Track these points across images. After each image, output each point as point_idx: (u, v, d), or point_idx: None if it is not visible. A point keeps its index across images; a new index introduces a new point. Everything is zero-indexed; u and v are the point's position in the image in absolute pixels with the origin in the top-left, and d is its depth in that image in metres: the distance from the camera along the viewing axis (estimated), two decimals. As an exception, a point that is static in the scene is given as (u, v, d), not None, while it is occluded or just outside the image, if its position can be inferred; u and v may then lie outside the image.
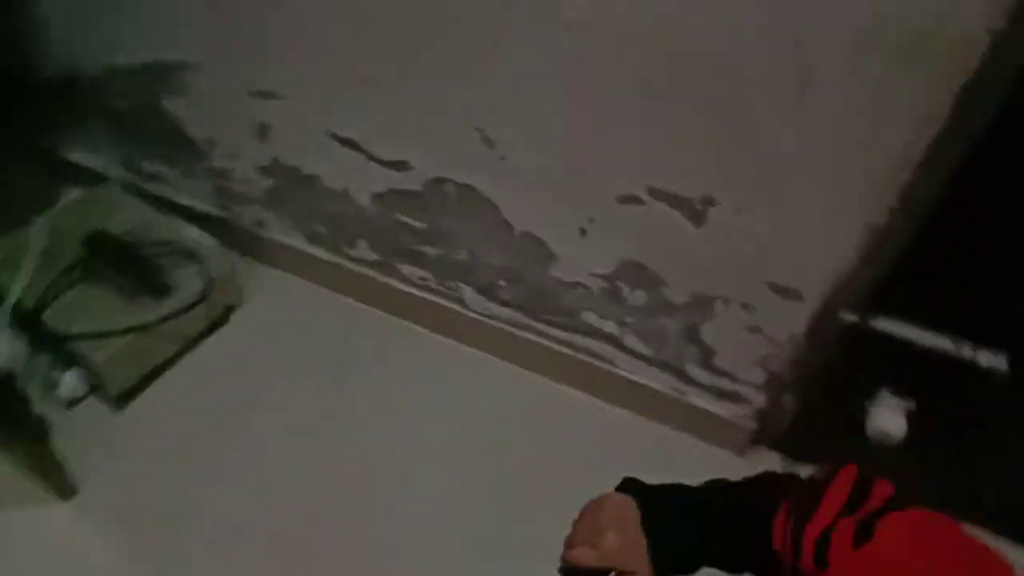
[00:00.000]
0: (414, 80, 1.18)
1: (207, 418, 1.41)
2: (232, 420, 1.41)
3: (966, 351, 1.09)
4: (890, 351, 1.14)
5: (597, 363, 1.45)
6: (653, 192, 1.13)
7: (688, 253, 1.18)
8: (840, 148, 0.96)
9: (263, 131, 1.39)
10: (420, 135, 1.26)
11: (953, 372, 1.09)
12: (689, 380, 1.39)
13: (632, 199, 1.15)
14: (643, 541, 0.70)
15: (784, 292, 1.16)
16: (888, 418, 1.25)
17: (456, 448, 1.42)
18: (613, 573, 0.70)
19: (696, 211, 1.12)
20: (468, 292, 1.47)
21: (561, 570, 0.71)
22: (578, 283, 1.34)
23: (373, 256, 1.51)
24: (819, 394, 1.29)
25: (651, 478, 0.74)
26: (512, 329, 1.48)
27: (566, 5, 0.99)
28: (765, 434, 1.42)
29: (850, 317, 1.14)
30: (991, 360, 1.08)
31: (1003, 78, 0.83)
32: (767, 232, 1.09)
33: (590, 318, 1.38)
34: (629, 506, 0.72)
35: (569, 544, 0.72)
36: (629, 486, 0.76)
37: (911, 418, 1.22)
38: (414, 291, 1.52)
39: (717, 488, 0.75)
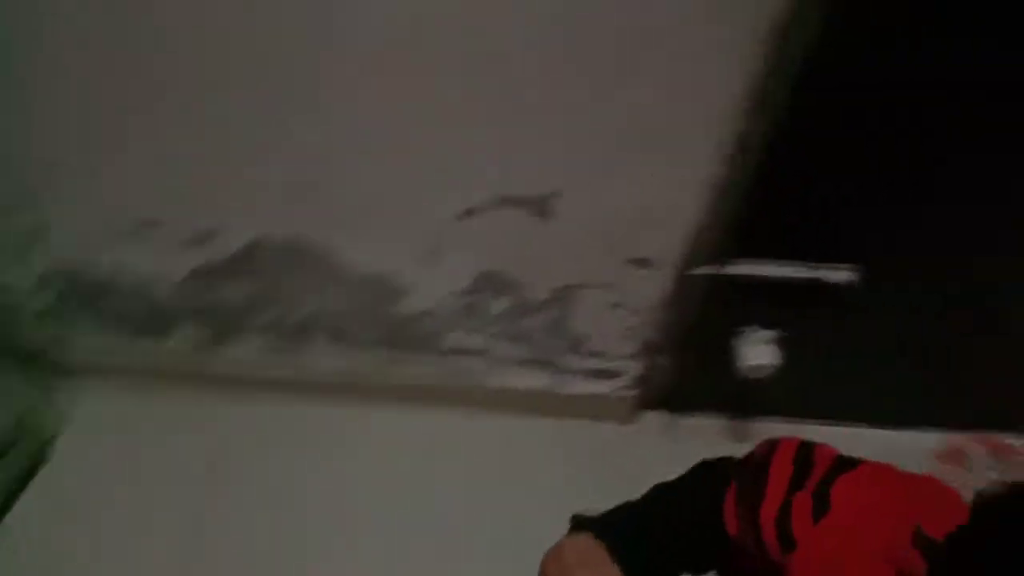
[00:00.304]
0: (205, 139, 1.06)
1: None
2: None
3: (817, 273, 1.16)
4: (749, 290, 1.20)
5: (474, 381, 1.41)
6: (494, 199, 1.10)
7: (541, 250, 1.16)
8: (673, 107, 0.96)
9: (34, 235, 1.20)
10: (226, 197, 1.13)
11: (809, 295, 1.17)
12: (565, 370, 1.38)
13: (473, 211, 1.11)
14: (615, 570, 0.67)
15: (639, 263, 1.17)
16: (758, 351, 1.31)
17: (354, 507, 1.32)
18: None
19: (541, 207, 1.10)
20: (319, 344, 1.36)
21: None
22: (435, 308, 1.28)
23: (203, 335, 1.36)
24: (691, 347, 1.33)
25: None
26: (377, 371, 1.40)
27: (386, 30, 0.91)
28: (647, 398, 1.46)
29: (706, 269, 1.18)
30: (839, 275, 1.16)
31: (811, 23, 0.87)
32: (613, 210, 1.09)
33: (457, 338, 1.33)
34: (587, 543, 0.69)
35: None
36: (578, 523, 0.73)
37: (780, 345, 1.29)
38: (257, 360, 1.40)
39: (661, 495, 0.74)
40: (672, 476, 0.74)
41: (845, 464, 0.65)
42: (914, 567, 0.55)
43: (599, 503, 0.73)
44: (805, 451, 0.67)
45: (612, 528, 0.70)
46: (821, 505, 0.62)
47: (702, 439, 1.46)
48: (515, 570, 0.74)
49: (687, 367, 1.37)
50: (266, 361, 1.38)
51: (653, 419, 1.50)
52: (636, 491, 0.73)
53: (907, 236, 1.12)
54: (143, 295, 1.27)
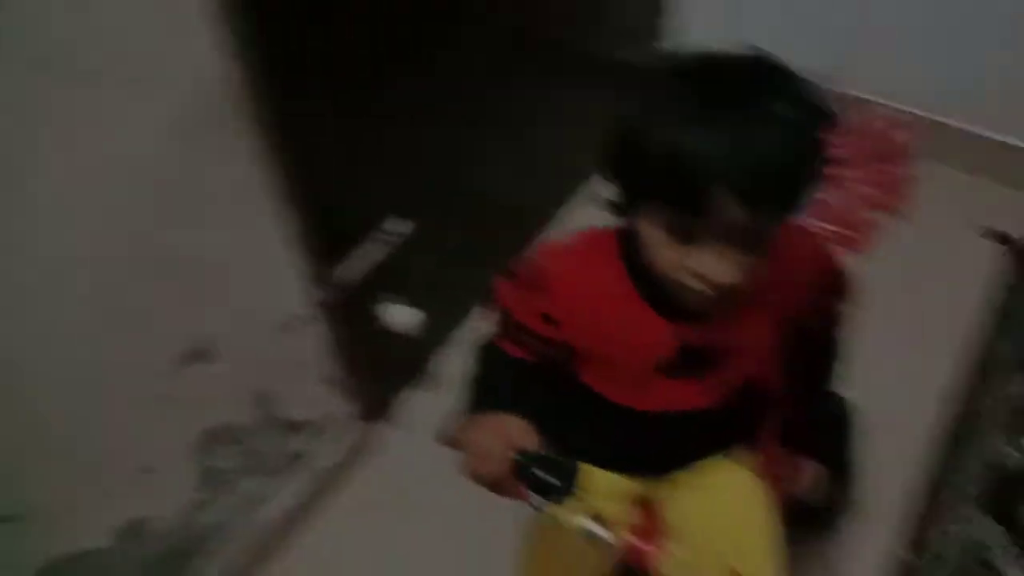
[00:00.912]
0: None
1: None
2: None
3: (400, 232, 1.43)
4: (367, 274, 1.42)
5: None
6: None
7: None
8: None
9: None
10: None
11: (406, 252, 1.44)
12: (299, 456, 1.47)
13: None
14: (495, 418, 0.83)
15: (285, 327, 1.30)
16: (401, 315, 1.55)
17: None
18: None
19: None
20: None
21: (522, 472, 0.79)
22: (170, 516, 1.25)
23: None
24: (362, 352, 1.51)
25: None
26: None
27: None
28: (368, 414, 1.61)
29: (325, 292, 1.35)
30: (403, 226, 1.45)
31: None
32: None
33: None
34: (465, 422, 0.85)
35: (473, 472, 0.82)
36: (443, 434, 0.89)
37: (415, 304, 1.54)
38: None
39: (474, 384, 0.93)
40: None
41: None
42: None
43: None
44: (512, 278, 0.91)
45: (472, 402, 0.88)
46: (535, 277, 0.86)
47: (422, 412, 1.68)
48: None
49: (371, 367, 1.55)
50: None
51: (387, 432, 1.67)
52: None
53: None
54: None
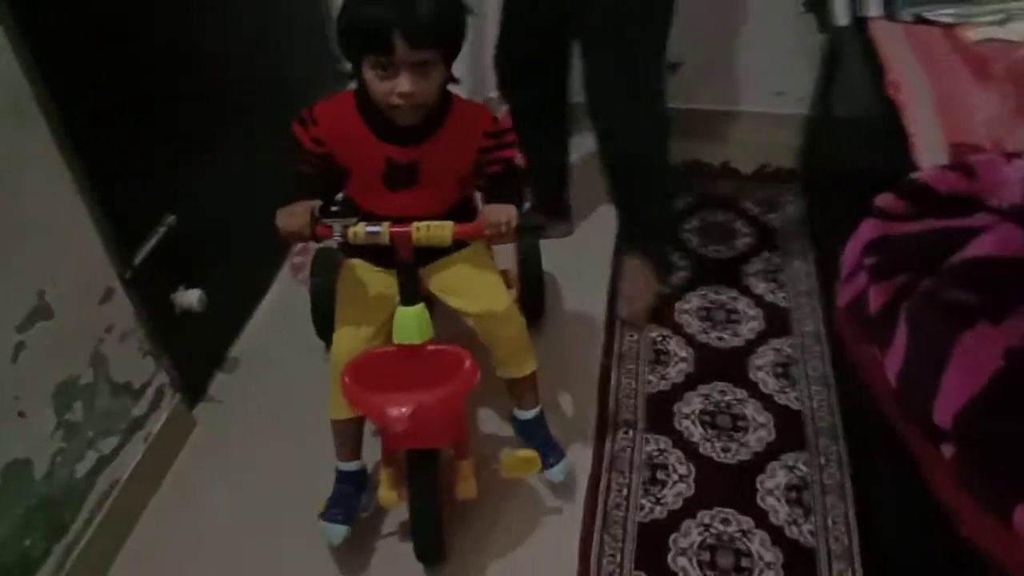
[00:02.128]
0: None
1: None
2: None
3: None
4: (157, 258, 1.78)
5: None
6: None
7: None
8: None
9: None
10: None
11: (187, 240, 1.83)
12: (139, 420, 1.75)
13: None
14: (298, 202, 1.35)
15: (104, 298, 1.63)
16: (189, 297, 1.91)
17: None
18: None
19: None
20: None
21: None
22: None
23: None
24: (167, 330, 1.84)
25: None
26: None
27: None
28: (185, 387, 1.92)
29: (125, 271, 1.69)
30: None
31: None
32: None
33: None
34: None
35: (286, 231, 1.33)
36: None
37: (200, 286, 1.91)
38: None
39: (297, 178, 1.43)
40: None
41: None
42: None
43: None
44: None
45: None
46: (310, 116, 1.40)
47: (228, 389, 2.04)
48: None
49: (177, 345, 1.89)
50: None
51: (205, 410, 1.99)
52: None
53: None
54: None
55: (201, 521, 1.73)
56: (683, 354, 2.06)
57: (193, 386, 1.96)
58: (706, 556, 1.62)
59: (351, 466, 1.60)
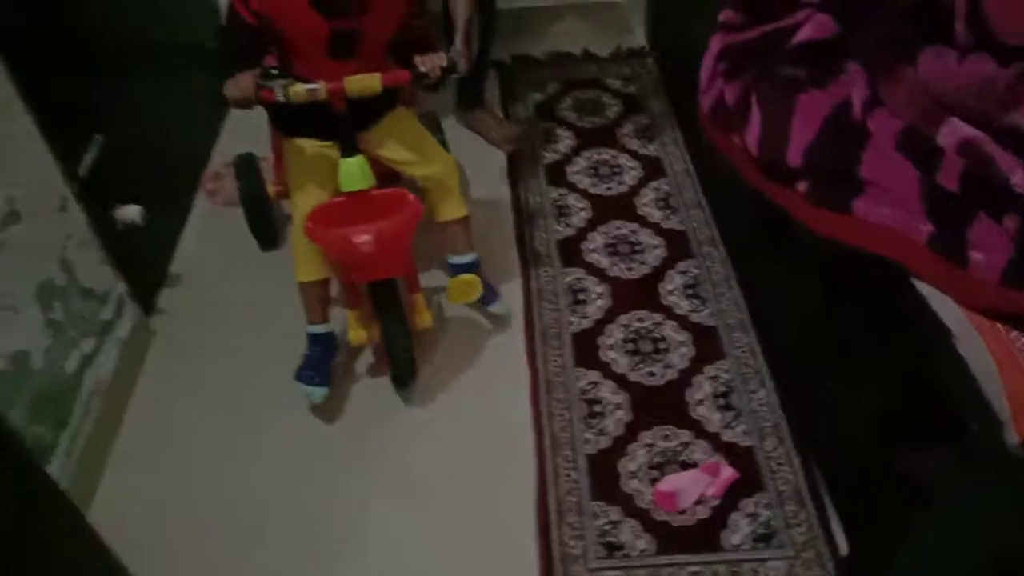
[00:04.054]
0: None
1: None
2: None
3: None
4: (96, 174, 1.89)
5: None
6: None
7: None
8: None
9: None
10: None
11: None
12: (109, 323, 1.88)
13: None
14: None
15: (63, 207, 1.74)
16: (128, 212, 2.02)
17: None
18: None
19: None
20: None
21: None
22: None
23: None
24: (114, 242, 1.96)
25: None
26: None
27: None
28: (140, 296, 2.05)
29: (72, 184, 1.80)
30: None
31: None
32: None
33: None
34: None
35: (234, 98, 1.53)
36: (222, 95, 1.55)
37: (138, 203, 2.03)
38: None
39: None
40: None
41: None
42: None
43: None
44: None
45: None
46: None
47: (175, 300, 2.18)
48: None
49: (126, 257, 2.01)
50: None
51: (160, 321, 2.12)
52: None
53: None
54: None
55: (181, 410, 1.89)
56: (581, 206, 2.37)
57: (144, 299, 2.08)
58: (631, 347, 1.95)
59: (320, 328, 1.81)
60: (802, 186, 1.48)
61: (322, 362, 1.79)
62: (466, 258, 1.95)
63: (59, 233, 1.72)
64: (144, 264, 2.13)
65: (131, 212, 1.99)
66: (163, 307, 2.15)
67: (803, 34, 1.57)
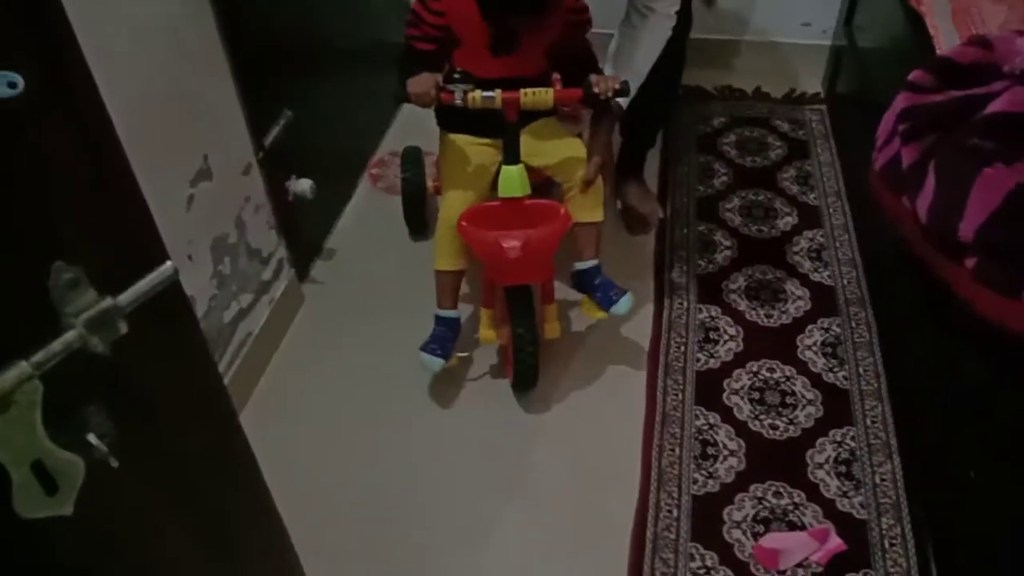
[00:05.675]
0: None
1: None
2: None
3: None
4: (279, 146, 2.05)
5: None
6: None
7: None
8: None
9: None
10: None
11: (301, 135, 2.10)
12: (266, 283, 2.04)
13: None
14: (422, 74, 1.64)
15: (246, 170, 1.90)
16: (301, 185, 2.18)
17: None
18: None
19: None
20: None
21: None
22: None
23: None
24: (284, 211, 2.12)
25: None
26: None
27: None
28: (301, 266, 2.20)
29: (258, 152, 1.97)
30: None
31: None
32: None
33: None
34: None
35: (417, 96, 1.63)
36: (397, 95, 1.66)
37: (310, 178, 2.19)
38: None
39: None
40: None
41: None
42: None
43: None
44: None
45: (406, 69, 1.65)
46: None
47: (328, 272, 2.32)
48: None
49: (292, 225, 2.17)
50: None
51: (310, 289, 2.27)
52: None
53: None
54: None
55: (317, 372, 2.02)
56: (727, 244, 2.34)
57: (300, 266, 2.23)
58: (756, 395, 1.91)
59: (449, 313, 1.89)
60: (970, 262, 1.41)
61: (446, 340, 1.87)
62: (590, 263, 1.91)
63: (239, 195, 1.88)
64: (305, 235, 2.28)
65: (303, 185, 2.15)
66: (315, 277, 2.30)
67: (997, 105, 1.50)
